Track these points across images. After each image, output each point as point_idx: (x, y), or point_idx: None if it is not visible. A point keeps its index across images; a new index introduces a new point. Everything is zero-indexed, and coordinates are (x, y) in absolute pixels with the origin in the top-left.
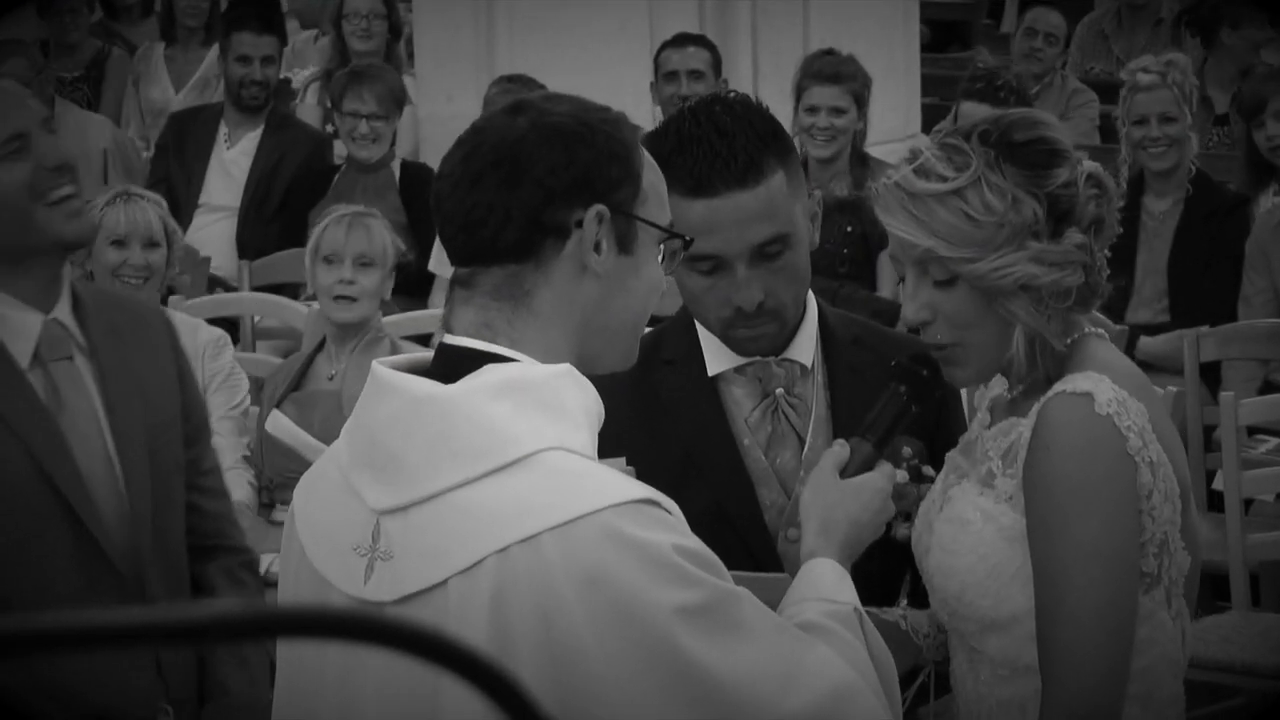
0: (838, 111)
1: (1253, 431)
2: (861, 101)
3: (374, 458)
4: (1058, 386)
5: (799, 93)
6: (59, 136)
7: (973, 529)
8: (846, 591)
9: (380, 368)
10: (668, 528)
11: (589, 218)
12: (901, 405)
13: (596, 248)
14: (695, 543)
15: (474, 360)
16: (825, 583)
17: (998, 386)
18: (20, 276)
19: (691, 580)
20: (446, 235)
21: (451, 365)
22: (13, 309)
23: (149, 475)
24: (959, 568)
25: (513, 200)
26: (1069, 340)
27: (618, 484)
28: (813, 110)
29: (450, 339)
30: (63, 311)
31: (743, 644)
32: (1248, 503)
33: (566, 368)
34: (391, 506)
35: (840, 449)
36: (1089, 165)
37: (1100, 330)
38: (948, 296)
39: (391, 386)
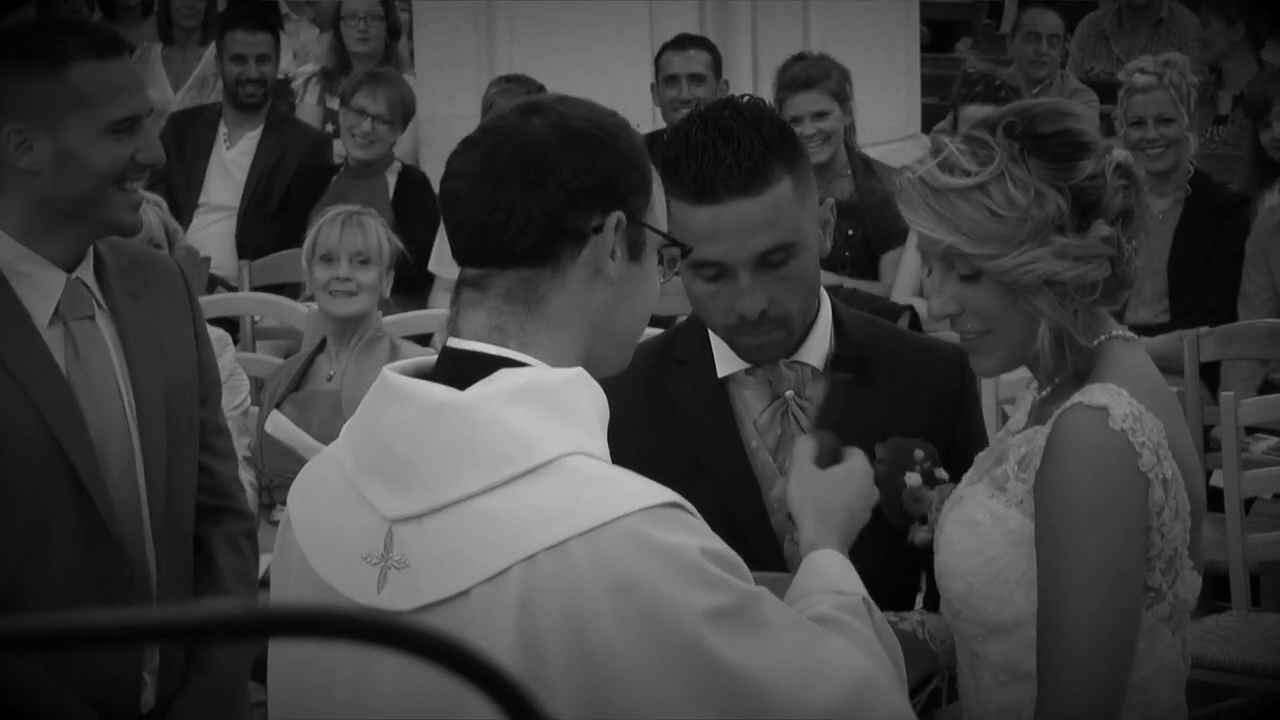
0: (820, 115)
1: (1252, 431)
2: (842, 97)
3: (385, 465)
4: (1075, 397)
5: (779, 105)
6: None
7: (981, 531)
8: (853, 581)
9: (391, 374)
10: (694, 531)
11: (609, 224)
12: (849, 391)
13: (612, 254)
14: (719, 544)
15: (485, 364)
16: (832, 574)
17: (1035, 391)
18: (48, 237)
19: (719, 584)
20: (462, 236)
21: (462, 369)
22: (37, 267)
23: (165, 436)
24: (965, 569)
25: (535, 203)
26: (1096, 341)
27: (642, 488)
28: (796, 121)
29: (457, 342)
30: (85, 271)
31: (768, 643)
32: (1248, 503)
33: (579, 371)
34: (406, 514)
35: (806, 441)
36: (1118, 154)
37: (1130, 334)
38: (973, 291)
39: (405, 393)
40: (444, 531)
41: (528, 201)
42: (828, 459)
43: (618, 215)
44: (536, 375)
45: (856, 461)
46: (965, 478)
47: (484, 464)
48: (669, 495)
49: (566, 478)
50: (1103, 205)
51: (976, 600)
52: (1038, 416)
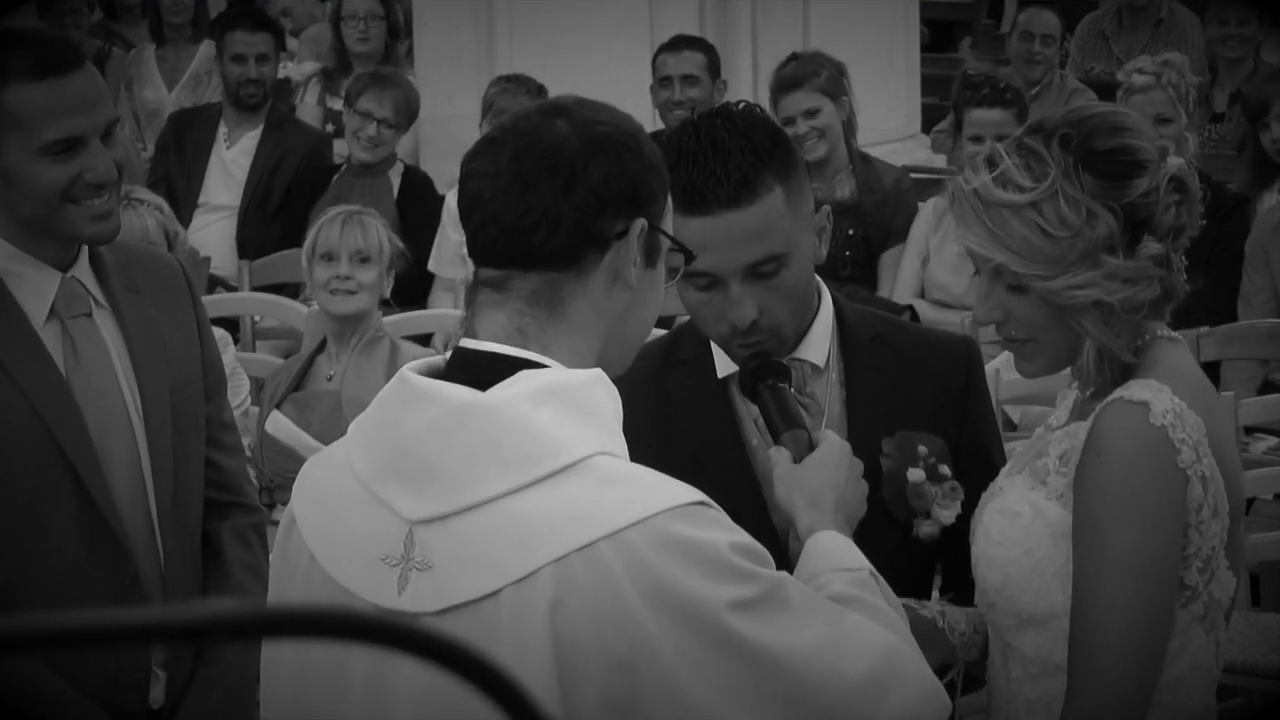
0: (811, 113)
1: (1252, 431)
2: (835, 92)
3: (404, 467)
4: (1117, 392)
5: (773, 107)
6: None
7: (1021, 522)
8: (856, 557)
9: (411, 374)
10: (723, 527)
11: (633, 230)
12: (780, 393)
13: (634, 261)
14: (745, 538)
15: (505, 365)
16: (836, 552)
17: (1077, 389)
18: (40, 239)
19: (748, 575)
20: (486, 236)
21: (480, 370)
22: (30, 267)
23: (171, 432)
24: (1003, 560)
25: (566, 207)
26: (1138, 343)
27: (669, 487)
28: (789, 121)
29: (473, 343)
30: (81, 270)
31: (796, 624)
32: (1248, 502)
33: (598, 372)
34: (429, 516)
35: (777, 450)
36: (1173, 164)
37: (1174, 334)
38: (1019, 301)
39: (426, 394)
40: (470, 533)
41: (559, 204)
42: (804, 454)
43: (641, 222)
44: (558, 376)
45: (830, 441)
46: (1003, 470)
47: (511, 465)
48: (695, 494)
49: (594, 478)
50: (1154, 222)
51: (1013, 591)
52: (1080, 413)
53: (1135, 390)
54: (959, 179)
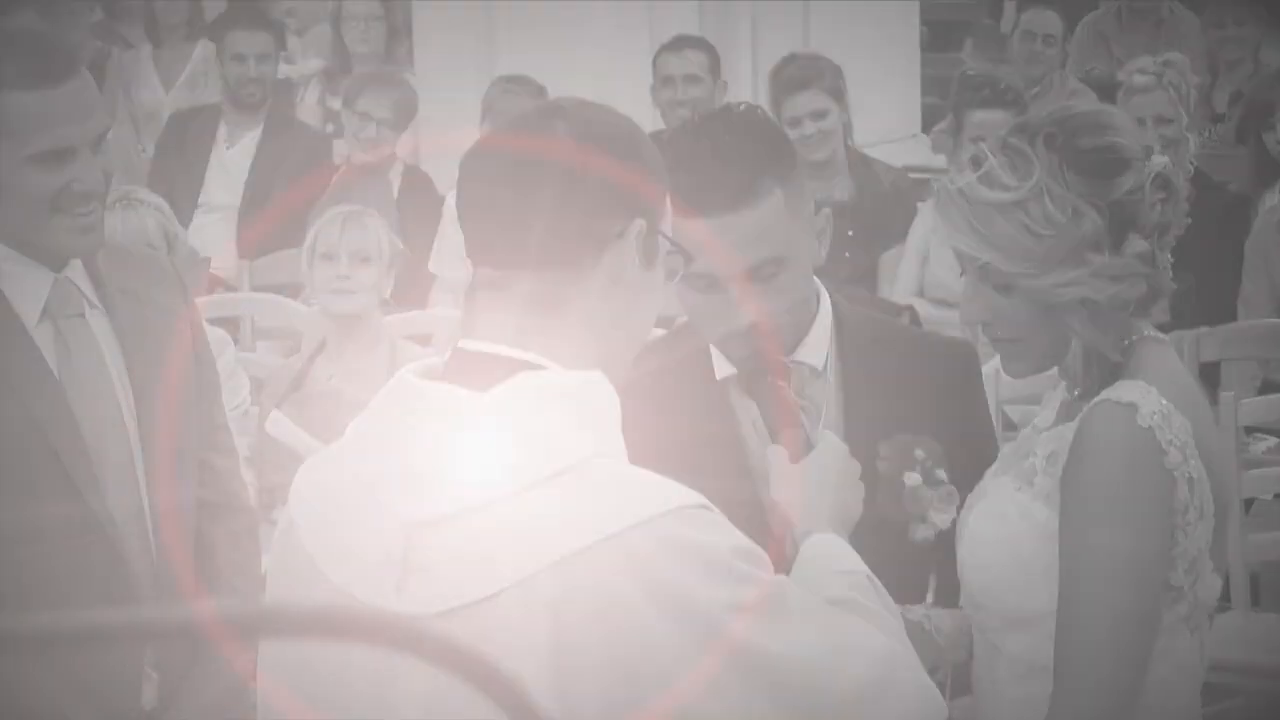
0: (818, 115)
1: (1252, 431)
2: (838, 94)
3: (403, 468)
4: (1104, 394)
5: (775, 107)
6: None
7: (1007, 523)
8: (853, 559)
9: (410, 376)
10: (722, 530)
11: (632, 231)
12: (779, 391)
13: (632, 261)
14: (745, 540)
15: (505, 367)
16: (832, 555)
17: (1064, 390)
18: (29, 242)
19: (748, 579)
20: (485, 236)
21: (480, 372)
22: (23, 266)
23: (165, 432)
24: (990, 561)
25: (564, 207)
26: (1125, 342)
27: (670, 490)
28: (795, 122)
29: (473, 344)
30: (75, 270)
31: (797, 627)
32: (1248, 503)
33: (598, 374)
34: (428, 518)
35: (775, 448)
36: (1157, 163)
37: (1160, 335)
38: (1006, 301)
39: (425, 395)
40: (469, 535)
41: (557, 205)
42: (802, 453)
43: (640, 223)
44: (558, 378)
45: (827, 441)
46: (989, 471)
47: (511, 467)
48: (695, 496)
49: (595, 480)
50: (1139, 220)
51: (1000, 592)
52: (1067, 414)
53: (1123, 391)
54: (945, 179)
